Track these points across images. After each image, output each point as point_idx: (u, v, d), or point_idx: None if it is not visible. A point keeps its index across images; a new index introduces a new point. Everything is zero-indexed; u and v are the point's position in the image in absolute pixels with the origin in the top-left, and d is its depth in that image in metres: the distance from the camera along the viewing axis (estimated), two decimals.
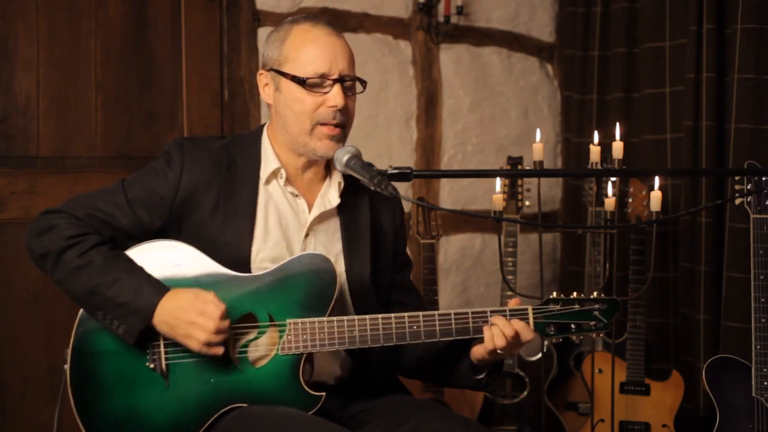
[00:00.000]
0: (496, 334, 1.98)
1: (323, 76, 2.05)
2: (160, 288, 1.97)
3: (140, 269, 2.00)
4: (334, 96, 2.05)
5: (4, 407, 3.08)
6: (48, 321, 3.12)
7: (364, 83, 2.12)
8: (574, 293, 2.08)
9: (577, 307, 2.06)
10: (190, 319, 1.92)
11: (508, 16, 4.05)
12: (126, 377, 1.98)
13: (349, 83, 2.08)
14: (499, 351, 1.99)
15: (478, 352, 2.04)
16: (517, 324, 1.99)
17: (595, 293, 2.10)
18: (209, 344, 1.92)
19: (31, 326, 3.11)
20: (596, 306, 2.06)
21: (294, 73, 2.05)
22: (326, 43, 2.07)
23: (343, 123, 2.08)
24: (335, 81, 2.05)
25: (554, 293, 2.07)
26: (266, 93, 2.14)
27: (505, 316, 2.02)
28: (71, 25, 3.18)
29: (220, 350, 1.94)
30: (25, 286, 3.09)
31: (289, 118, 2.08)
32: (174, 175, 2.06)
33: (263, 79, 2.13)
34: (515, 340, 1.98)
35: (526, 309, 2.04)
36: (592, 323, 2.06)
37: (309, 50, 2.06)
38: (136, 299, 1.94)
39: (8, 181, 3.08)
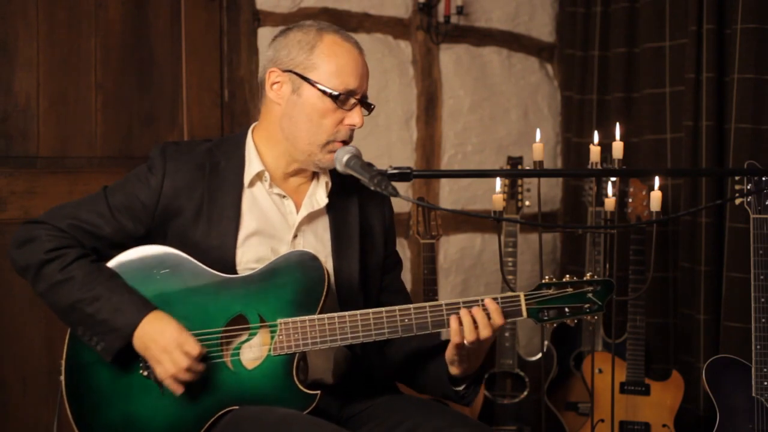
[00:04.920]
0: (466, 322, 1.94)
1: (350, 93, 2.04)
2: (141, 308, 1.96)
3: (122, 286, 1.98)
4: (355, 116, 2.05)
5: (4, 407, 3.08)
6: (48, 321, 3.11)
7: (373, 108, 2.12)
8: (567, 276, 2.04)
9: (570, 290, 2.01)
10: (168, 347, 1.91)
11: (508, 16, 4.05)
12: (121, 386, 1.98)
13: (366, 103, 2.09)
14: (466, 343, 1.94)
15: (448, 354, 2.00)
16: (490, 304, 1.96)
17: (588, 275, 2.06)
18: (175, 378, 1.92)
19: (31, 326, 3.11)
20: (590, 288, 2.01)
21: (323, 83, 2.02)
22: (358, 62, 2.06)
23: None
24: (359, 101, 2.05)
25: (547, 278, 2.03)
26: (276, 92, 2.08)
27: (496, 301, 1.99)
28: (71, 25, 3.18)
29: (180, 389, 1.93)
30: (24, 286, 3.07)
31: (302, 126, 2.05)
32: (156, 181, 2.05)
33: (275, 77, 2.08)
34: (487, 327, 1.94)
35: (518, 295, 2.00)
36: (587, 306, 2.01)
37: (342, 63, 2.03)
38: (116, 318, 1.94)
39: (8, 181, 3.08)
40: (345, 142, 2.06)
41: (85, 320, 1.96)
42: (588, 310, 2.02)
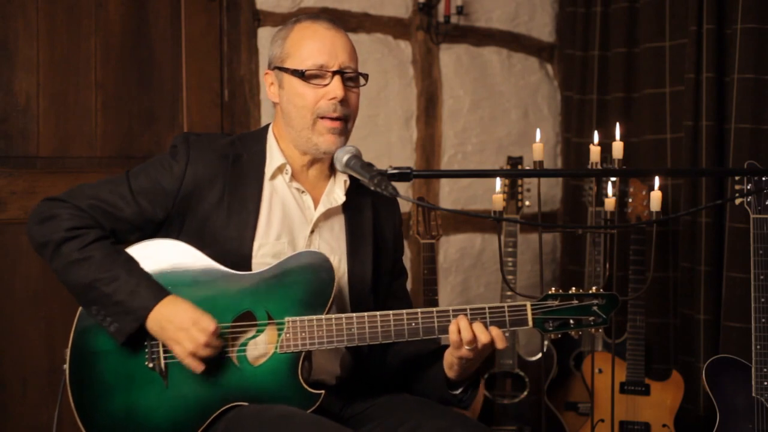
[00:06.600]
0: (463, 327, 1.95)
1: (322, 68, 2.06)
2: (158, 292, 1.97)
3: (140, 269, 2.00)
4: (334, 88, 2.05)
5: (4, 407, 3.08)
6: (48, 321, 3.12)
7: (365, 77, 2.13)
8: (573, 288, 2.07)
9: (575, 302, 2.05)
10: (184, 326, 1.92)
11: (508, 16, 4.05)
12: (125, 376, 1.99)
13: (349, 75, 2.09)
14: (465, 347, 1.95)
15: (447, 357, 2.02)
16: (494, 330, 1.98)
17: (593, 288, 2.09)
18: (194, 355, 1.92)
19: (30, 326, 3.11)
20: (595, 301, 2.05)
21: (294, 66, 2.07)
22: (325, 36, 2.08)
23: (344, 116, 2.08)
24: (335, 73, 2.06)
25: (553, 289, 2.06)
26: (272, 92, 2.16)
27: (503, 310, 2.01)
28: (71, 25, 3.19)
29: (201, 367, 1.94)
30: (25, 286, 3.10)
31: (292, 113, 2.09)
32: (179, 168, 2.07)
33: (269, 78, 2.16)
34: (485, 345, 1.96)
35: (524, 305, 2.03)
36: (591, 318, 2.05)
37: (308, 44, 2.07)
38: (132, 299, 1.94)
39: (8, 181, 3.08)
40: (333, 119, 2.06)
41: (101, 300, 1.96)
42: (592, 323, 2.06)
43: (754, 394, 2.71)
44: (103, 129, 3.25)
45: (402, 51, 3.81)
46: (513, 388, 3.46)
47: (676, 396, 3.22)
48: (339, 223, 2.17)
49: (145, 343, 1.99)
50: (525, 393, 3.44)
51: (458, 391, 2.08)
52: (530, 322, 2.03)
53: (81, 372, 2.00)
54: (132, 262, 2.01)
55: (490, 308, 2.01)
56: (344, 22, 3.62)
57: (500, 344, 1.98)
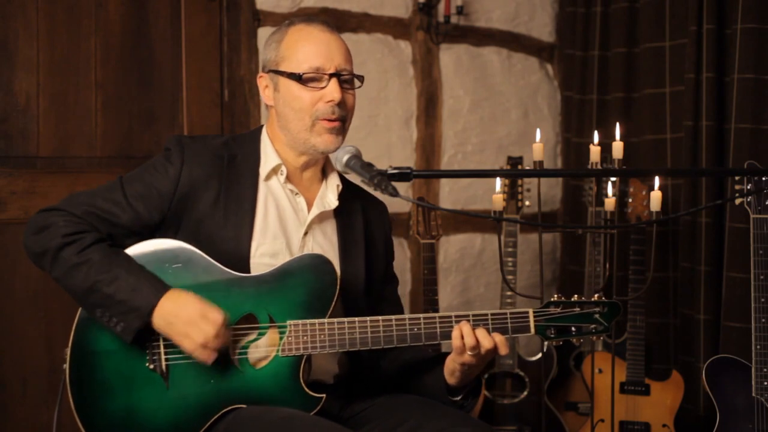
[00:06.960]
0: (466, 333, 1.97)
1: (318, 70, 2.06)
2: (159, 287, 1.95)
3: (139, 267, 1.98)
4: (331, 90, 2.06)
5: (4, 407, 3.08)
6: (47, 320, 3.12)
7: (361, 78, 2.13)
8: (575, 296, 2.08)
9: (577, 310, 2.06)
10: (192, 319, 1.91)
11: (508, 16, 4.05)
12: (126, 377, 1.98)
13: (345, 77, 2.10)
14: (468, 353, 1.96)
15: (449, 363, 2.03)
16: (497, 336, 1.99)
17: (595, 296, 2.10)
18: (205, 347, 1.91)
19: (30, 326, 3.11)
20: (597, 309, 2.06)
21: (290, 70, 2.07)
22: (320, 39, 2.09)
23: (342, 117, 2.09)
24: (331, 75, 2.07)
25: (555, 296, 2.07)
26: (266, 95, 2.16)
27: (506, 317, 2.02)
28: (71, 25, 3.19)
29: (212, 357, 1.93)
30: (25, 286, 3.09)
31: (289, 116, 2.09)
32: (174, 170, 2.06)
33: (263, 81, 2.16)
34: (488, 351, 1.97)
35: (527, 312, 2.04)
36: (593, 326, 2.06)
37: (304, 47, 2.08)
38: (134, 297, 1.93)
39: (8, 181, 3.08)
40: (331, 120, 2.06)
41: (103, 301, 1.94)
42: (594, 331, 2.07)
43: (754, 394, 2.71)
44: (103, 129, 3.25)
45: (402, 51, 3.81)
46: (513, 388, 3.46)
47: (676, 396, 3.22)
48: (331, 227, 2.17)
49: (146, 344, 1.98)
50: (525, 393, 3.44)
51: (458, 398, 2.08)
52: (532, 329, 2.04)
53: (81, 372, 1.99)
54: (131, 261, 1.99)
55: (492, 315, 2.02)
56: (344, 22, 3.62)
57: (503, 350, 1.98)
